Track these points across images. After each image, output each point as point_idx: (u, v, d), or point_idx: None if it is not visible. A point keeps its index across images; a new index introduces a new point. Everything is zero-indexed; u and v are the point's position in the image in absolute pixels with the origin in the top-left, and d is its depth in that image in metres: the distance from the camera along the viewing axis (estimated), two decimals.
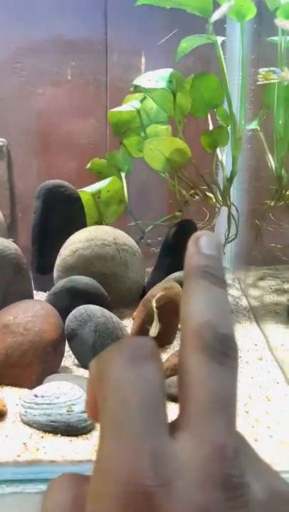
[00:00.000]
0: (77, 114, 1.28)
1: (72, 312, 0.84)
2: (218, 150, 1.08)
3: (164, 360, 0.82)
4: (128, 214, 1.24)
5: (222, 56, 1.05)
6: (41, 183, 1.13)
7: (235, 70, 1.17)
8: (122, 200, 1.22)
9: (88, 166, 1.20)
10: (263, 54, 1.15)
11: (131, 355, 0.21)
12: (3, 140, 1.27)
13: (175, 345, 0.91)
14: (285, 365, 0.86)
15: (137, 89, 1.04)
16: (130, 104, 1.04)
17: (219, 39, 1.07)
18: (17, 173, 1.30)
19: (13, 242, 1.00)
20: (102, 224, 1.23)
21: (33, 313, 0.81)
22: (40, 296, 1.10)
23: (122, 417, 0.19)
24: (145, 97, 1.05)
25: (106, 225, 1.25)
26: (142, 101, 1.04)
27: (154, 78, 1.02)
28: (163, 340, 0.90)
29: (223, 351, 0.21)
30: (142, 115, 1.10)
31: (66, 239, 1.06)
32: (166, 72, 1.03)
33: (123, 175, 1.20)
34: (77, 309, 0.83)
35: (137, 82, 1.04)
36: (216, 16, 0.90)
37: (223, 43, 1.09)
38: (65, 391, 0.67)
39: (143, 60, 1.27)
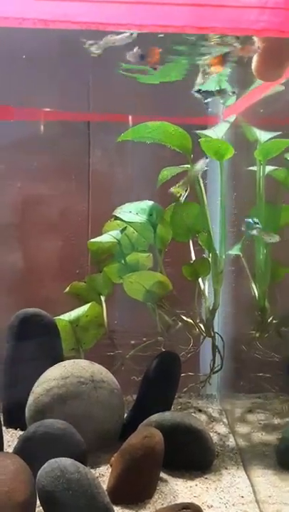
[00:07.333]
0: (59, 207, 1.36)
1: (44, 467, 0.86)
2: (200, 280, 1.17)
3: None
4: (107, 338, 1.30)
5: (202, 186, 1.18)
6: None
7: (216, 196, 1.30)
8: (101, 325, 1.28)
9: (67, 289, 1.28)
10: (242, 180, 1.29)
11: None
12: None
13: (156, 500, 0.93)
14: None
15: (118, 219, 1.16)
16: (111, 235, 1.15)
17: None
18: None
19: None
20: (79, 350, 1.29)
21: (2, 469, 0.84)
22: (10, 435, 1.12)
23: None
24: (126, 227, 1.16)
25: (84, 350, 1.30)
26: (122, 231, 1.15)
27: (135, 210, 1.13)
28: (142, 494, 0.92)
29: None
30: (123, 239, 1.21)
31: (41, 370, 1.11)
32: (147, 204, 1.15)
33: (103, 298, 1.28)
34: (48, 464, 0.86)
35: (117, 213, 1.16)
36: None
37: (203, 172, 1.23)
38: None
39: (126, 158, 1.40)
